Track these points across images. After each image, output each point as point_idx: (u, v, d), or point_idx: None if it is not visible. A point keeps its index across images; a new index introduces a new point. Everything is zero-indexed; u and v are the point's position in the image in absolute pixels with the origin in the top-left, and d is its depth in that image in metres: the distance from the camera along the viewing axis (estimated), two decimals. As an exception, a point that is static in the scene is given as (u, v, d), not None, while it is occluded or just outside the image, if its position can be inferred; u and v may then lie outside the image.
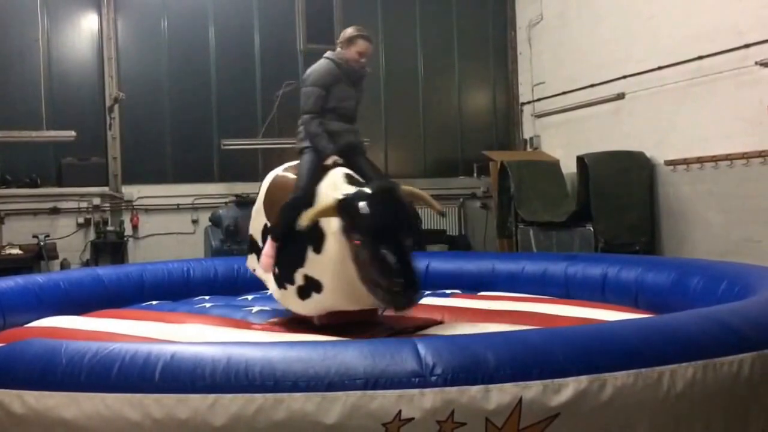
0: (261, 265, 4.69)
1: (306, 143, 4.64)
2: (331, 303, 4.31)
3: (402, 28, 11.09)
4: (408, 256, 3.84)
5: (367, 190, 3.97)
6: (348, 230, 3.93)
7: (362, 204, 3.87)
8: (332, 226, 4.06)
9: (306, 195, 4.36)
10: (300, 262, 4.29)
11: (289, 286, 4.42)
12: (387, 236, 3.80)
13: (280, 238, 4.47)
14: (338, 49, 4.77)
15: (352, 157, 4.66)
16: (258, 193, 5.06)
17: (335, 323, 4.45)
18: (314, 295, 4.28)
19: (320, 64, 4.72)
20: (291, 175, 4.71)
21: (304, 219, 4.01)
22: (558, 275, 5.69)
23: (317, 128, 4.58)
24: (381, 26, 10.90)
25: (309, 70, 4.73)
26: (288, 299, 4.53)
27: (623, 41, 9.15)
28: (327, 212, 4.02)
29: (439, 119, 11.23)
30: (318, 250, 4.19)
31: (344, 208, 3.94)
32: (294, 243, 4.32)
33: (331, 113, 4.68)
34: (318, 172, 4.47)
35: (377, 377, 2.39)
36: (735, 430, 2.65)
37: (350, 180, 4.30)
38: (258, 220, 4.90)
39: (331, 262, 4.12)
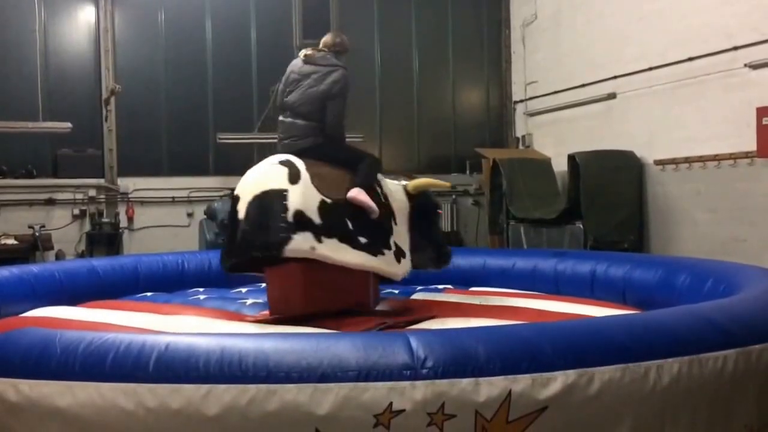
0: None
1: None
2: (408, 268, 4.87)
3: (397, 25, 11.12)
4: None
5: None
6: (432, 208, 5.19)
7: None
8: (397, 201, 4.90)
9: None
10: (391, 230, 4.79)
11: (387, 252, 4.66)
12: None
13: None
14: (332, 55, 4.90)
15: None
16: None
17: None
18: (402, 261, 4.79)
19: (345, 77, 4.84)
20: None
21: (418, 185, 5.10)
22: (548, 271, 5.76)
23: None
24: (377, 23, 10.93)
25: (337, 85, 4.79)
26: (388, 264, 4.66)
27: (615, 42, 9.20)
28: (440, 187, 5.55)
29: (433, 116, 11.27)
30: (396, 222, 4.85)
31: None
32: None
33: None
34: None
35: (369, 369, 2.42)
36: (719, 424, 2.70)
37: None
38: (309, 199, 4.45)
39: (406, 234, 4.92)
